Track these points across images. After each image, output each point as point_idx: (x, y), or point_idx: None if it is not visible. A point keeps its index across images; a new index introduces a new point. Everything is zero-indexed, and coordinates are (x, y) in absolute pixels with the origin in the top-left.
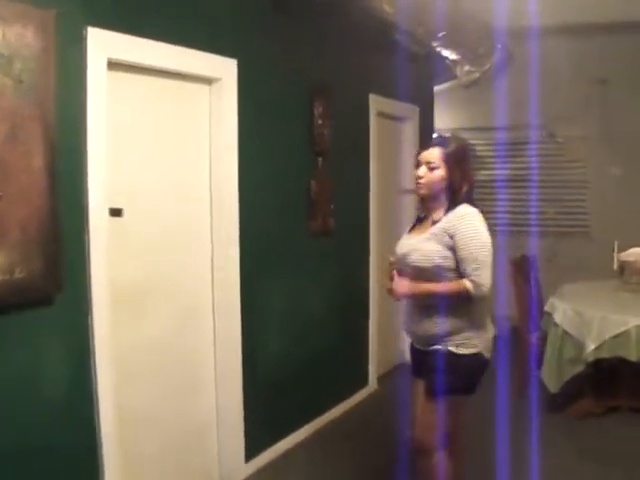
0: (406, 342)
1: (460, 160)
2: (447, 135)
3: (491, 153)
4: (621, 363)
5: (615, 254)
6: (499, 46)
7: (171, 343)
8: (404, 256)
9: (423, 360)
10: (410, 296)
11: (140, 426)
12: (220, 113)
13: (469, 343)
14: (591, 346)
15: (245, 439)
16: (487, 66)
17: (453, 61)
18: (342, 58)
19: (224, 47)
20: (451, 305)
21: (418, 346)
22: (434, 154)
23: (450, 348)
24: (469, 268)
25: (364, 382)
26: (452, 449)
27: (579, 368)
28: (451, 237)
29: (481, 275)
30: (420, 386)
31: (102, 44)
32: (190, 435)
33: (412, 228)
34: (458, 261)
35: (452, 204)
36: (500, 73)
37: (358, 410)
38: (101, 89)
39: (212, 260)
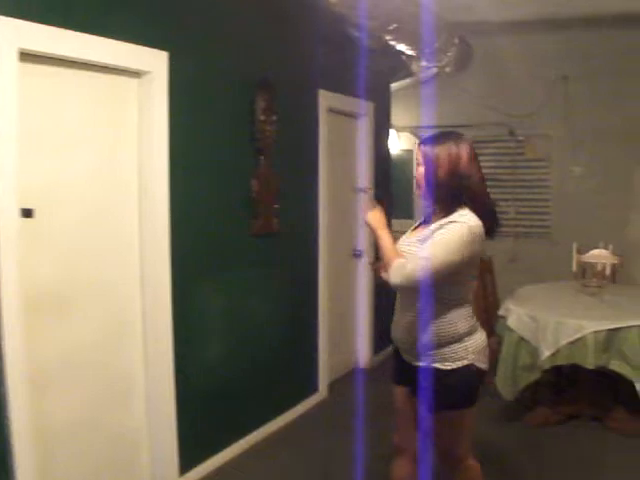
0: (361, 346)
1: (457, 160)
2: (444, 132)
3: None
4: (580, 369)
5: (574, 256)
6: (456, 41)
7: (96, 352)
8: None
9: (410, 374)
10: (368, 227)
11: (62, 443)
12: (150, 108)
13: (455, 357)
14: (546, 353)
15: (179, 452)
16: (444, 62)
17: (409, 56)
18: (287, 52)
19: (154, 38)
20: (435, 314)
21: (405, 357)
22: (422, 151)
23: (435, 365)
24: (422, 253)
25: (313, 389)
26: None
27: (535, 375)
28: None
29: (417, 265)
30: (403, 394)
31: (12, 33)
32: (119, 450)
33: (416, 227)
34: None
35: (450, 208)
36: (460, 70)
37: (305, 419)
38: (11, 82)
39: (140, 263)
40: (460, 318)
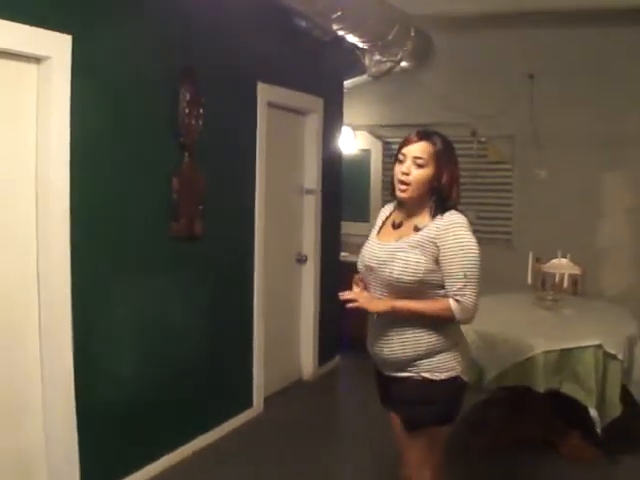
0: (302, 357)
1: (451, 160)
2: (432, 130)
3: None
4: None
5: (530, 266)
6: (412, 34)
7: None
8: (374, 266)
9: (393, 388)
10: (388, 314)
11: None
12: (49, 97)
13: (445, 366)
14: (492, 373)
15: (81, 475)
16: (399, 56)
17: (362, 50)
18: (219, 40)
19: (55, 21)
20: (424, 323)
21: (385, 372)
22: (423, 149)
23: (424, 374)
24: (455, 286)
25: (247, 404)
26: None
27: (481, 396)
28: (438, 248)
29: (467, 295)
30: (393, 417)
31: None
32: (10, 475)
33: (380, 231)
34: (443, 276)
35: (440, 210)
36: (420, 66)
37: (237, 435)
38: None
39: (37, 266)
40: (448, 327)
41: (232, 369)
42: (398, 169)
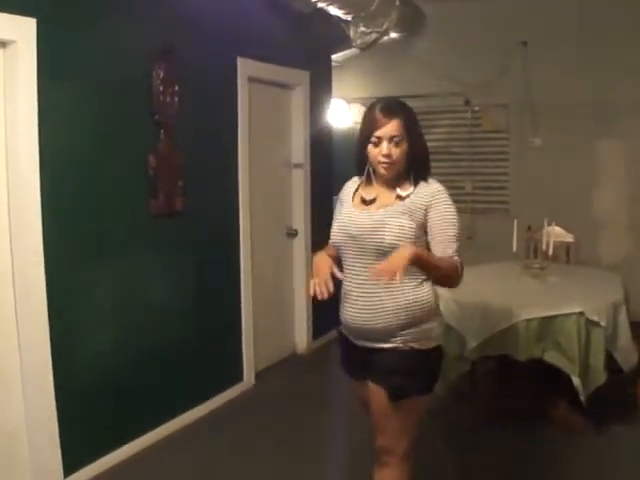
0: (296, 331)
1: (417, 126)
2: (390, 100)
3: None
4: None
5: (515, 234)
6: (397, 3)
7: None
8: (360, 234)
9: (375, 360)
10: (413, 261)
11: None
12: (15, 82)
13: (430, 335)
14: (472, 343)
15: (63, 452)
16: (385, 26)
17: (346, 22)
18: (195, 15)
19: (18, 4)
20: (409, 291)
21: (362, 343)
22: (396, 126)
23: (411, 344)
24: (450, 249)
25: (237, 378)
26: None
27: (464, 367)
28: (426, 215)
29: (459, 258)
30: (367, 389)
31: None
32: None
33: (358, 201)
34: (432, 241)
35: (421, 178)
36: (411, 36)
37: (226, 409)
38: None
39: (10, 246)
40: (431, 294)
41: (220, 344)
42: (376, 152)
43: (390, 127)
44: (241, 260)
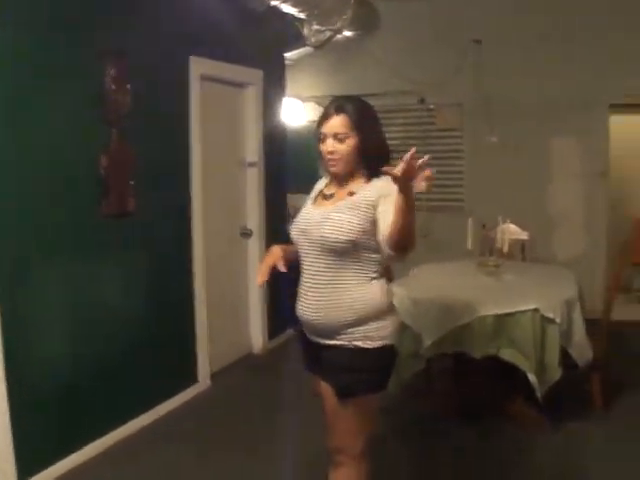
0: (251, 332)
1: (369, 123)
2: (343, 97)
3: None
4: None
5: (469, 232)
6: (352, 2)
7: None
8: (308, 229)
9: (324, 356)
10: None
11: None
12: None
13: (378, 334)
14: (427, 341)
15: (17, 458)
16: (339, 24)
17: (300, 20)
18: (148, 13)
19: None
20: (359, 287)
21: (314, 338)
22: (339, 123)
23: (356, 343)
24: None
25: (192, 380)
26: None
27: (420, 365)
28: (375, 208)
29: None
30: (322, 385)
31: None
32: None
33: (316, 200)
34: (382, 226)
35: (373, 173)
36: (366, 34)
37: (182, 411)
38: None
39: None
40: (382, 292)
41: (174, 346)
42: (322, 148)
43: (333, 123)
44: (194, 260)
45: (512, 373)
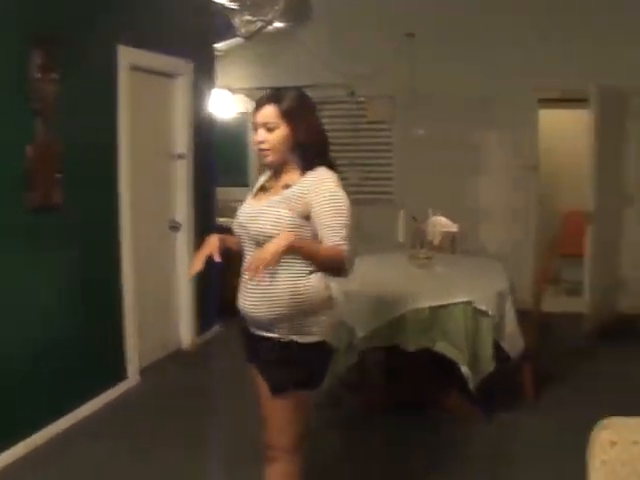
0: (180, 327)
1: (303, 113)
2: (281, 88)
3: None
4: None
5: (400, 224)
6: None
7: None
8: (246, 223)
9: (259, 348)
10: (291, 249)
11: None
12: None
13: (312, 330)
14: (360, 334)
15: None
16: (270, 15)
17: (231, 10)
18: (77, 2)
19: None
20: (297, 280)
21: (253, 330)
22: (269, 112)
23: (291, 336)
24: (337, 236)
25: (121, 376)
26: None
27: (352, 359)
28: (307, 203)
29: (348, 246)
30: (259, 379)
31: None
32: None
33: (257, 193)
34: (319, 230)
35: (308, 165)
36: (297, 26)
37: (111, 408)
38: None
39: None
40: (321, 287)
41: (102, 341)
42: (254, 138)
43: (263, 112)
44: (123, 255)
45: (446, 366)
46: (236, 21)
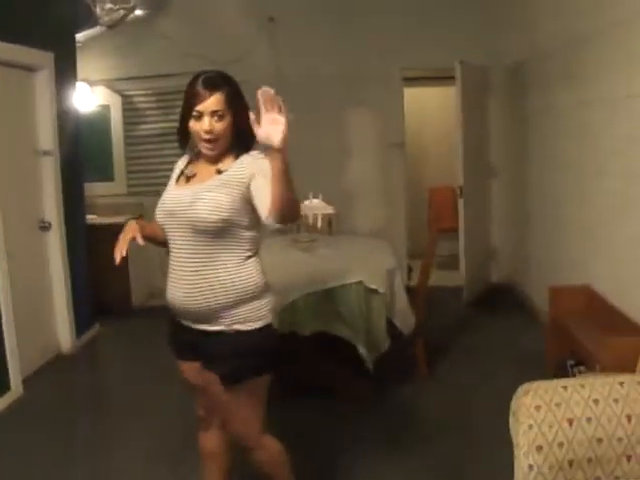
0: (58, 330)
1: (242, 99)
2: (216, 72)
3: (152, 105)
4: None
5: None
6: None
7: None
8: (177, 210)
9: (204, 343)
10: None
11: None
12: None
13: (257, 315)
14: None
15: None
16: (132, 2)
17: None
18: None
19: None
20: (233, 267)
21: (188, 323)
22: (218, 100)
23: (236, 326)
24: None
25: (4, 388)
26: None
27: None
28: (248, 186)
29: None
30: (195, 370)
31: None
32: None
33: (178, 180)
34: (262, 199)
35: (244, 151)
36: (156, 12)
37: None
38: None
39: None
40: (257, 272)
41: None
42: (198, 127)
43: (212, 101)
44: None
45: (341, 346)
46: (98, 9)
